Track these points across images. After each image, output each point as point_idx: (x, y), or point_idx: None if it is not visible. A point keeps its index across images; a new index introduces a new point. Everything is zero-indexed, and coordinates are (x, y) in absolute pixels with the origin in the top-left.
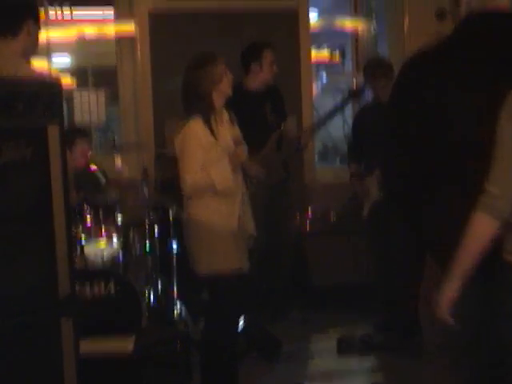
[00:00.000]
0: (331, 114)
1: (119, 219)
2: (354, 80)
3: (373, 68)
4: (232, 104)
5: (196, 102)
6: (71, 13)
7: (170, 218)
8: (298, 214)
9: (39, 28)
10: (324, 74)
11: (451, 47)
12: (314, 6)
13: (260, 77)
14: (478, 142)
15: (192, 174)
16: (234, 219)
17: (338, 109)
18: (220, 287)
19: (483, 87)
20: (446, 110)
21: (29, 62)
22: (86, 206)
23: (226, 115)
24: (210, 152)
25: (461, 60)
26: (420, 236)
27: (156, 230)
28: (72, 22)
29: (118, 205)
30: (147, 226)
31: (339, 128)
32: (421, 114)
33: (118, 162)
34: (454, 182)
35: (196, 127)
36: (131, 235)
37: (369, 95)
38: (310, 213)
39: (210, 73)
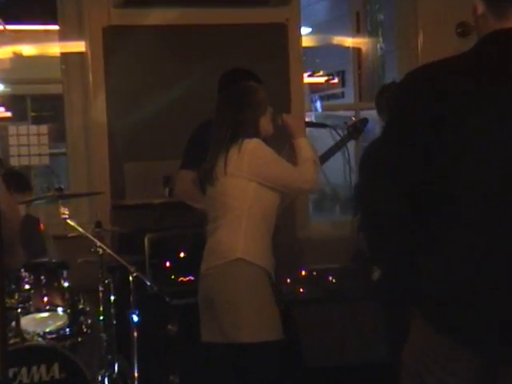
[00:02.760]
0: (328, 155)
1: (65, 284)
2: (357, 111)
3: (388, 97)
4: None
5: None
6: (4, 29)
7: (130, 282)
8: (287, 277)
9: None
10: (319, 103)
11: (471, 66)
12: (307, 21)
13: None
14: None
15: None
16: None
17: (337, 148)
18: (267, 356)
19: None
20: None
21: None
22: (23, 269)
23: None
24: None
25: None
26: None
27: (112, 297)
28: (7, 40)
29: (63, 266)
30: (101, 293)
31: (339, 169)
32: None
33: (65, 213)
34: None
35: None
36: (81, 304)
37: (377, 128)
38: (302, 274)
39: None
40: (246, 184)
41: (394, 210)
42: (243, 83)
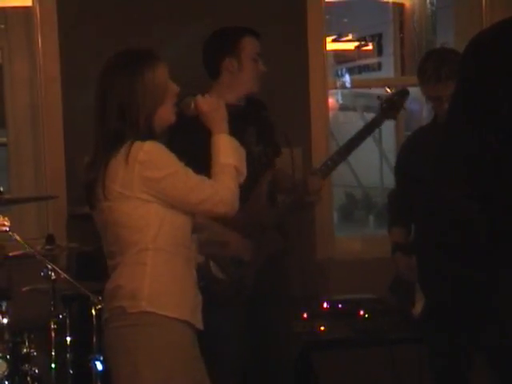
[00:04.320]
0: (357, 143)
1: (4, 320)
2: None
3: (435, 65)
4: (190, 129)
5: (123, 127)
6: None
7: (93, 317)
8: (303, 310)
9: None
10: (347, 77)
11: None
12: None
13: (238, 83)
14: None
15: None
16: None
17: (368, 133)
18: None
19: None
20: None
21: None
22: None
23: None
24: None
25: None
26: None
27: (68, 337)
28: None
29: (3, 295)
30: (53, 331)
31: (374, 167)
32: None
33: (4, 224)
34: None
35: None
36: (25, 347)
37: (425, 111)
38: (324, 307)
39: (147, 83)
40: (143, 207)
41: (473, 224)
42: (139, 48)
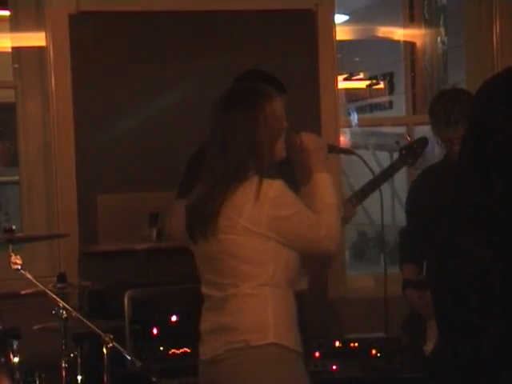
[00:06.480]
0: (373, 188)
1: (16, 359)
2: (409, 127)
3: (446, 108)
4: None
5: (248, 160)
6: None
7: (104, 355)
8: (315, 350)
9: None
10: (355, 116)
11: None
12: (343, 6)
13: None
14: None
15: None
16: None
17: (385, 178)
18: None
19: None
20: None
21: None
22: None
23: None
24: None
25: None
26: None
27: (79, 376)
28: None
29: (13, 334)
30: (64, 370)
31: (385, 205)
32: None
33: (16, 262)
34: None
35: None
36: None
37: (436, 149)
38: (336, 346)
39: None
40: (264, 243)
41: (487, 274)
42: (253, 84)
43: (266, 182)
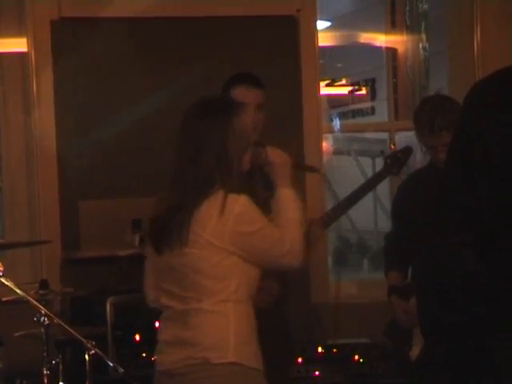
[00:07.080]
0: (359, 196)
1: None
2: (391, 133)
3: (429, 116)
4: None
5: (218, 174)
6: None
7: (86, 362)
8: (298, 355)
9: None
10: (337, 122)
11: None
12: (325, 13)
13: None
14: None
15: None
16: None
17: (370, 187)
18: None
19: None
20: None
21: None
22: None
23: None
24: None
25: None
26: None
27: (61, 382)
28: None
29: None
30: (46, 377)
31: (368, 211)
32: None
33: None
34: None
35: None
36: None
37: (418, 156)
38: (319, 352)
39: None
40: (227, 258)
41: (473, 274)
42: (225, 95)
43: (231, 197)
